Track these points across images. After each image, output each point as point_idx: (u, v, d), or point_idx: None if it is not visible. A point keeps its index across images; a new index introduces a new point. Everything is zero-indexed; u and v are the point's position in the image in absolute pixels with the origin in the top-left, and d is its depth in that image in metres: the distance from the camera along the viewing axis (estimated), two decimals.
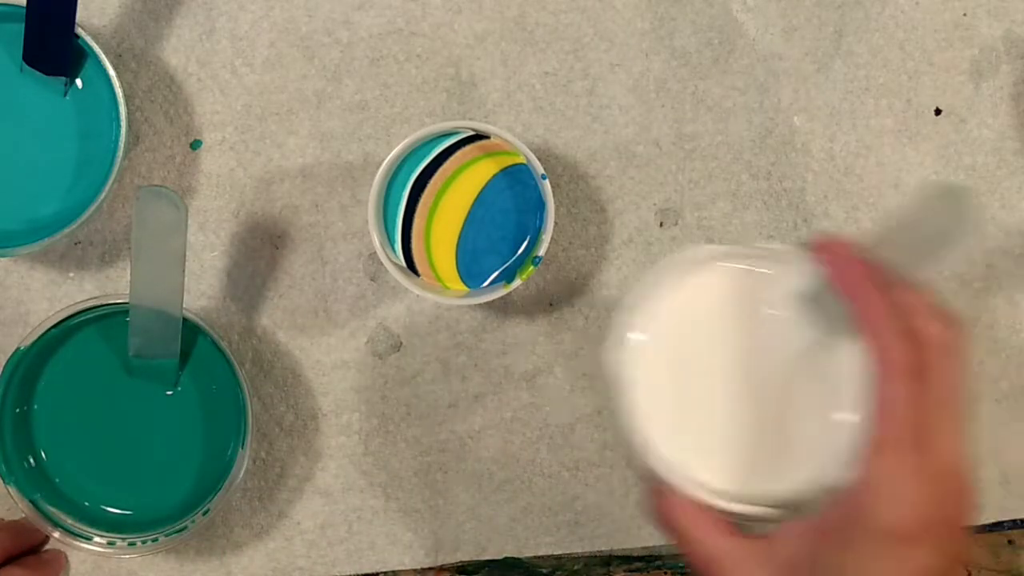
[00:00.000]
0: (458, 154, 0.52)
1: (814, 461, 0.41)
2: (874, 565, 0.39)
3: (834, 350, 0.41)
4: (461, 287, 0.53)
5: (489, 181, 0.52)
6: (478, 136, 0.52)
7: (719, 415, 0.43)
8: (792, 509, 0.42)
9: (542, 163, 0.51)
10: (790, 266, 0.42)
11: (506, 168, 0.52)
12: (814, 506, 0.41)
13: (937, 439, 0.39)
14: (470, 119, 0.56)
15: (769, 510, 0.42)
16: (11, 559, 0.51)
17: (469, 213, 0.52)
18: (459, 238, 0.53)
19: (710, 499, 0.42)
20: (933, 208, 0.40)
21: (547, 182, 0.51)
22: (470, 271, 0.53)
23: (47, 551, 0.55)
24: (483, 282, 0.53)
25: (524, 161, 0.51)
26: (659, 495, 0.44)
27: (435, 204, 0.52)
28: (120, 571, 0.56)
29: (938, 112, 0.57)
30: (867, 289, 0.40)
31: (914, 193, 0.39)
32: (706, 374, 0.43)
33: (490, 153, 0.52)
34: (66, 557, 0.55)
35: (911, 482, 0.39)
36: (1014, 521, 0.57)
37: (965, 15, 0.57)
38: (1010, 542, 0.58)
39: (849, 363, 0.40)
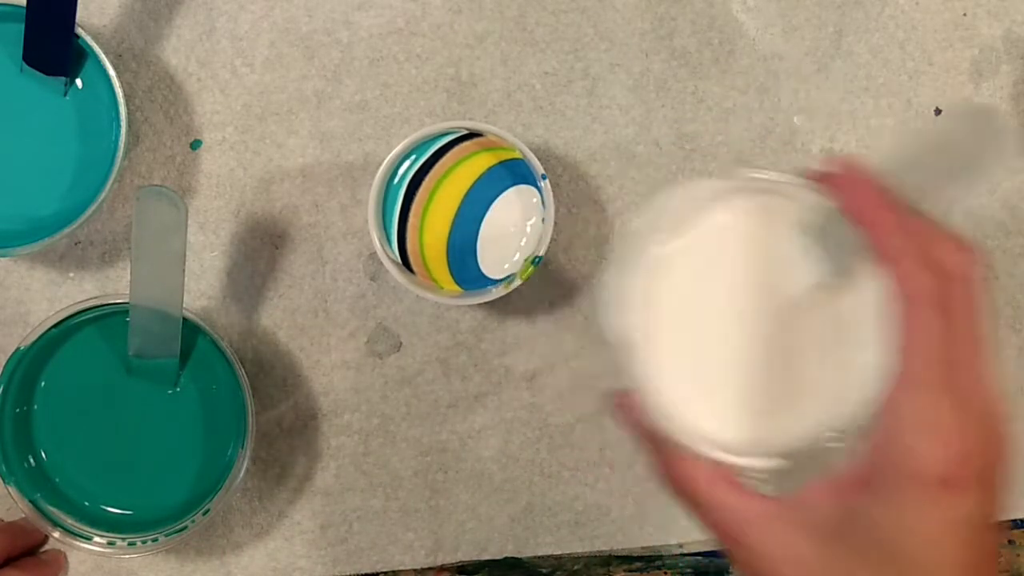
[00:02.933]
0: (455, 150, 0.52)
1: (834, 406, 0.39)
2: (917, 516, 0.36)
3: (848, 286, 0.39)
4: (454, 287, 0.53)
5: (479, 177, 0.52)
6: (477, 133, 0.52)
7: (729, 363, 0.40)
8: (813, 461, 0.39)
9: (542, 163, 0.51)
10: (799, 198, 0.40)
11: (496, 165, 0.52)
12: (839, 456, 0.38)
13: (969, 377, 0.37)
14: (470, 119, 0.56)
15: (788, 463, 0.39)
16: (10, 560, 0.51)
17: (458, 210, 0.52)
18: (449, 237, 0.53)
19: (726, 457, 0.39)
20: (960, 130, 0.37)
21: (547, 182, 0.51)
22: (461, 271, 0.53)
23: (46, 552, 0.55)
24: (473, 282, 0.53)
25: (520, 156, 0.51)
26: (673, 459, 0.40)
27: (428, 202, 0.52)
28: (120, 571, 0.56)
29: (938, 112, 0.57)
30: (885, 215, 0.38)
31: (939, 117, 0.36)
32: (714, 319, 0.40)
33: (486, 148, 0.52)
34: (65, 558, 0.55)
35: (951, 422, 0.36)
36: (1014, 521, 0.57)
37: (965, 15, 0.57)
38: (1010, 542, 0.58)
39: (865, 298, 0.38)
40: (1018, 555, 0.58)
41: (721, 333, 0.40)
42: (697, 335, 0.40)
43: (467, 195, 0.52)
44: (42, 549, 0.55)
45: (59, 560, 0.55)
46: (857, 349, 0.38)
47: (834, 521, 0.38)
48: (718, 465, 0.39)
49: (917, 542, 0.36)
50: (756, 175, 0.41)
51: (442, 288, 0.53)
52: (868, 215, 0.38)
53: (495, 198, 0.52)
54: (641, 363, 0.39)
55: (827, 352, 0.39)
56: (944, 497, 0.36)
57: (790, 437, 0.39)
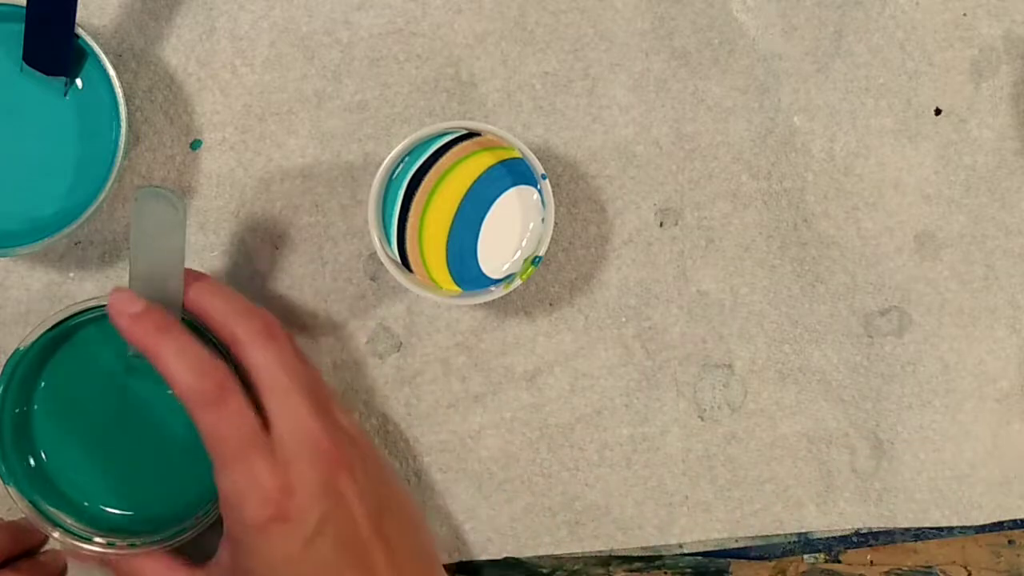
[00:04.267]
0: (455, 150, 0.52)
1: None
2: (268, 552, 0.45)
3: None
4: (454, 287, 0.53)
5: (479, 177, 0.52)
6: (477, 133, 0.52)
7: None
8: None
9: (542, 163, 0.51)
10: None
11: (496, 165, 0.52)
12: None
13: (275, 417, 0.45)
14: (470, 119, 0.56)
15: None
16: (8, 561, 0.51)
17: (458, 210, 0.52)
18: (448, 237, 0.53)
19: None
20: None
21: (547, 182, 0.51)
22: (460, 271, 0.53)
23: (45, 553, 0.55)
24: (473, 282, 0.53)
25: (520, 155, 0.51)
26: (117, 564, 0.51)
27: (428, 202, 0.52)
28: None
29: (938, 112, 0.57)
30: (153, 339, 0.45)
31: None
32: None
33: (486, 148, 0.52)
34: (65, 559, 0.55)
35: (258, 475, 0.44)
36: (1014, 521, 0.57)
37: (965, 15, 0.57)
38: (1010, 542, 0.58)
39: None
40: (1018, 555, 0.58)
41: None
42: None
43: (467, 195, 0.52)
44: (41, 550, 0.55)
45: (59, 561, 0.55)
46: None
47: (229, 572, 0.48)
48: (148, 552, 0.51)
49: (282, 569, 0.45)
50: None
51: (442, 288, 0.53)
52: (142, 342, 0.46)
53: (495, 198, 0.52)
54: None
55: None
56: (286, 527, 0.45)
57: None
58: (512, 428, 0.56)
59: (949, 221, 0.57)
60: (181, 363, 0.45)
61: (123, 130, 0.51)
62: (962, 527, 0.57)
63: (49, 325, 0.50)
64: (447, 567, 0.57)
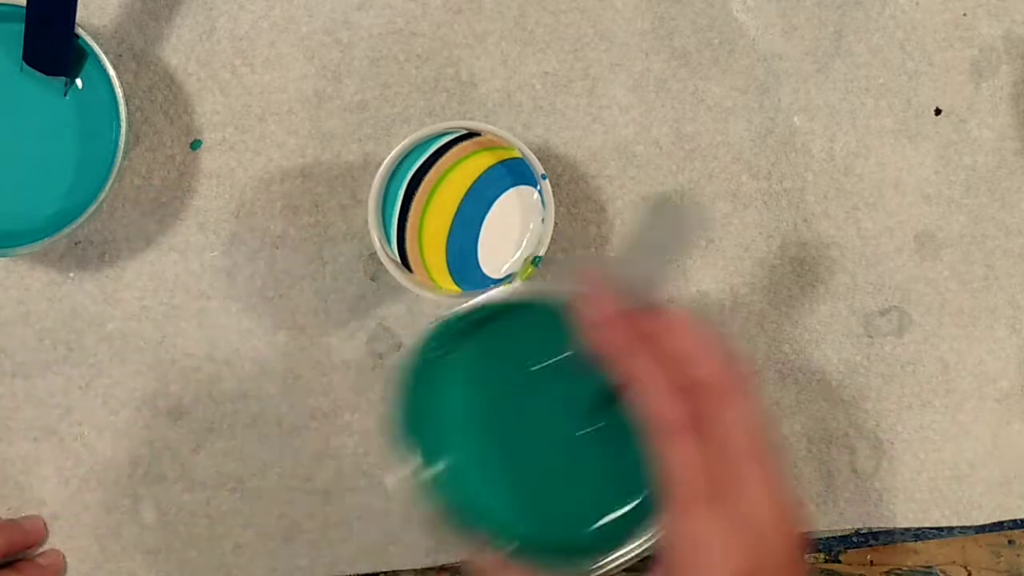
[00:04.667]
0: (455, 149, 0.52)
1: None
2: None
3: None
4: (453, 287, 0.53)
5: (479, 177, 0.52)
6: (477, 133, 0.52)
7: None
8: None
9: (542, 163, 0.51)
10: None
11: (496, 165, 0.52)
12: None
13: (736, 489, 0.38)
14: (470, 119, 0.56)
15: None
16: (9, 561, 0.51)
17: (458, 210, 0.52)
18: (448, 237, 0.53)
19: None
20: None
21: (547, 182, 0.51)
22: (460, 271, 0.53)
23: (44, 553, 0.55)
24: (473, 282, 0.53)
25: (519, 155, 0.51)
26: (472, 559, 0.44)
27: (428, 202, 0.52)
28: (120, 571, 0.56)
29: (938, 112, 0.57)
30: (630, 347, 0.39)
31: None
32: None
33: (486, 148, 0.52)
34: (64, 559, 0.55)
35: (716, 539, 0.37)
36: (1014, 521, 0.57)
37: (965, 15, 0.57)
38: (1010, 542, 0.58)
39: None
40: (1018, 555, 0.58)
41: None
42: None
43: (467, 195, 0.52)
44: (40, 550, 0.55)
45: (58, 562, 0.55)
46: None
47: None
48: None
49: None
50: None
51: (442, 288, 0.53)
52: (614, 350, 0.39)
53: (495, 198, 0.52)
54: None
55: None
56: None
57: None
58: None
59: (949, 221, 0.57)
60: (657, 382, 0.39)
61: (123, 130, 0.51)
62: (962, 527, 0.57)
63: (485, 301, 0.45)
64: (447, 567, 0.57)
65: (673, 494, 0.38)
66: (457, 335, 0.45)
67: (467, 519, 0.45)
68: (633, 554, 0.43)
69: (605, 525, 0.44)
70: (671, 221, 0.40)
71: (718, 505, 0.38)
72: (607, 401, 0.43)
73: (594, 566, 0.43)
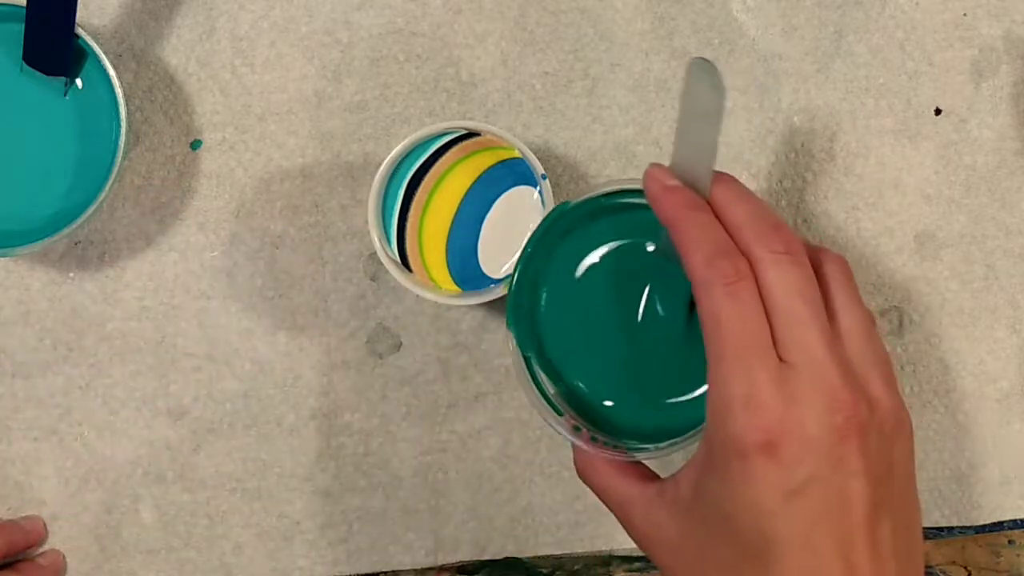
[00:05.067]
0: (455, 149, 0.52)
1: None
2: (748, 489, 0.37)
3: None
4: (453, 287, 0.53)
5: (479, 177, 0.52)
6: (477, 133, 0.52)
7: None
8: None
9: (542, 163, 0.51)
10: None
11: (496, 164, 0.52)
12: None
13: (786, 350, 0.38)
14: (470, 119, 0.56)
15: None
16: (8, 562, 0.51)
17: (458, 210, 0.52)
18: (448, 237, 0.53)
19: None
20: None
21: (547, 182, 0.51)
22: (460, 270, 0.53)
23: (44, 554, 0.55)
24: (473, 282, 0.53)
25: (519, 155, 0.51)
26: (578, 451, 0.46)
27: (428, 202, 0.52)
28: (120, 571, 0.56)
29: (938, 112, 0.57)
30: (681, 212, 0.40)
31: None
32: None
33: (486, 148, 0.52)
34: (64, 559, 0.55)
35: (758, 390, 0.37)
36: (1014, 521, 0.57)
37: (965, 15, 0.57)
38: (1010, 542, 0.58)
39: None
40: (1018, 555, 0.58)
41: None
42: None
43: (467, 195, 0.52)
44: (40, 550, 0.55)
45: (58, 562, 0.55)
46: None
47: (693, 500, 0.40)
48: (615, 457, 0.44)
49: (751, 515, 0.38)
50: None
51: (442, 288, 0.53)
52: (668, 216, 0.41)
53: (495, 198, 0.52)
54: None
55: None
56: (770, 466, 0.37)
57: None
58: (512, 428, 0.56)
59: (949, 221, 0.57)
60: (703, 237, 0.39)
61: (123, 130, 0.51)
62: (962, 527, 0.57)
63: (600, 192, 0.46)
64: (447, 567, 0.57)
65: (711, 346, 0.38)
66: (578, 220, 0.46)
67: (559, 382, 0.46)
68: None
69: (677, 407, 0.45)
70: (695, 88, 0.40)
71: (760, 361, 0.38)
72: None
73: (666, 444, 0.44)
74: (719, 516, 0.38)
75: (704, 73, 0.39)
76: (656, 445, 0.45)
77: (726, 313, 0.38)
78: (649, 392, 0.46)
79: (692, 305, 0.44)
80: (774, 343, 0.38)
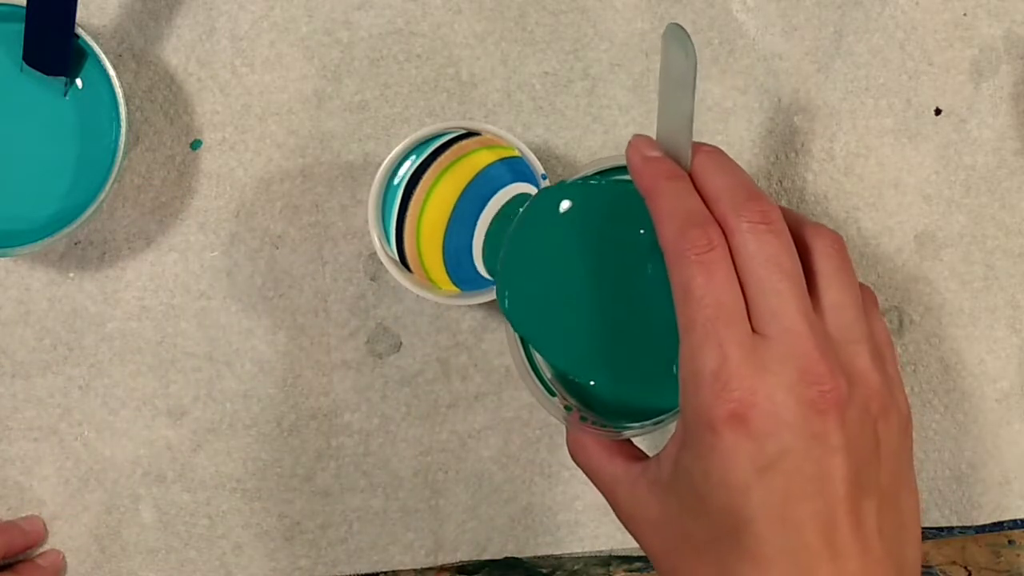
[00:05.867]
0: (454, 148, 0.52)
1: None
2: (714, 462, 0.36)
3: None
4: (451, 287, 0.53)
5: (476, 175, 0.52)
6: (477, 132, 0.52)
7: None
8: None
9: (542, 163, 0.51)
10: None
11: (495, 162, 0.52)
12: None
13: (761, 321, 0.37)
14: (470, 119, 0.56)
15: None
16: (6, 564, 0.51)
17: (454, 209, 0.52)
18: (445, 236, 0.53)
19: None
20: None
21: (547, 182, 0.51)
22: (456, 270, 0.53)
23: (43, 554, 0.55)
24: (469, 281, 0.53)
25: (517, 153, 0.51)
26: (568, 434, 0.45)
27: (425, 201, 0.52)
28: (120, 571, 0.56)
29: (938, 112, 0.57)
30: (658, 182, 0.40)
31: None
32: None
33: (486, 146, 0.52)
34: (64, 559, 0.55)
35: (726, 361, 0.36)
36: (1014, 521, 0.57)
37: (965, 15, 0.57)
38: (1010, 542, 0.58)
39: None
40: (1018, 555, 0.58)
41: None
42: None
43: (463, 194, 0.52)
44: (40, 550, 0.55)
45: (57, 562, 0.55)
46: None
47: (673, 475, 0.39)
48: (603, 437, 0.44)
49: (724, 491, 0.37)
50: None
51: (441, 288, 0.53)
52: (645, 186, 0.40)
53: (491, 195, 0.52)
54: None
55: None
56: (739, 440, 0.36)
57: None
58: (512, 428, 0.56)
59: (949, 221, 0.57)
60: (676, 207, 0.38)
61: (123, 130, 0.51)
62: (962, 527, 0.57)
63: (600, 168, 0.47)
64: (447, 567, 0.57)
65: (682, 317, 0.37)
66: (568, 198, 0.46)
67: (552, 359, 0.46)
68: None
69: (667, 385, 0.44)
70: (670, 55, 0.40)
71: (729, 330, 0.37)
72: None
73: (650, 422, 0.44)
74: (694, 494, 0.38)
75: (676, 40, 0.38)
76: (641, 424, 0.44)
77: (697, 283, 0.37)
78: (639, 371, 0.45)
79: None
80: (748, 315, 0.37)
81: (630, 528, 0.42)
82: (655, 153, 0.41)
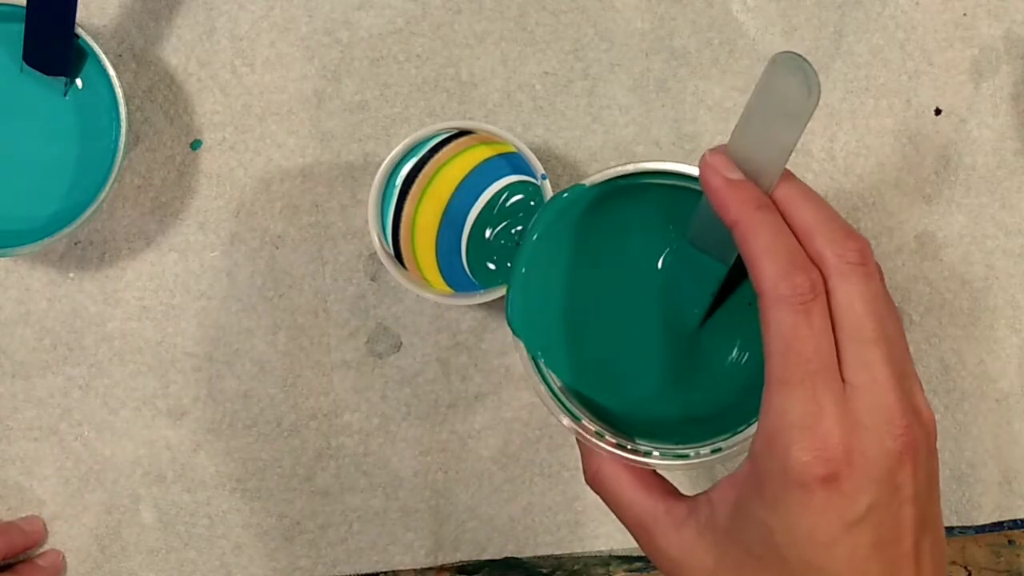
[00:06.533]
0: (450, 146, 0.52)
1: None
2: (805, 519, 0.35)
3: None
4: (444, 287, 0.53)
5: (470, 172, 0.52)
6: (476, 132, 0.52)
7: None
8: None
9: (542, 163, 0.51)
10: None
11: (491, 157, 0.52)
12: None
13: (851, 370, 0.36)
14: (470, 119, 0.56)
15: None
16: (8, 564, 0.51)
17: (445, 209, 0.52)
18: (437, 236, 0.53)
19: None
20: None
21: (547, 182, 0.51)
22: (449, 270, 0.53)
23: (43, 554, 0.55)
24: (460, 281, 0.53)
25: (514, 150, 0.51)
26: (587, 458, 0.42)
27: (420, 201, 0.52)
28: (120, 571, 0.56)
29: (938, 112, 0.57)
30: (749, 212, 0.37)
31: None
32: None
33: (483, 143, 0.52)
34: (64, 560, 0.55)
35: (823, 417, 0.35)
36: (1014, 521, 0.57)
37: (965, 15, 0.57)
38: (1010, 542, 0.58)
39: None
40: (1018, 555, 0.58)
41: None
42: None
43: (454, 194, 0.53)
44: (40, 550, 0.55)
45: (57, 562, 0.55)
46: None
47: (733, 524, 0.37)
48: (633, 467, 0.41)
49: (805, 546, 0.36)
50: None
51: (433, 287, 0.53)
52: (733, 215, 0.37)
53: (484, 189, 0.52)
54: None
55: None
56: (831, 497, 0.35)
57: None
58: (512, 428, 0.56)
59: (949, 221, 0.57)
60: (776, 246, 0.36)
61: (123, 130, 0.51)
62: (962, 527, 0.57)
63: (617, 174, 0.43)
64: (447, 567, 0.57)
65: (775, 370, 0.36)
66: (578, 209, 0.44)
67: (569, 382, 0.44)
68: (727, 449, 0.41)
69: (690, 403, 0.43)
70: (781, 82, 0.37)
71: (826, 385, 0.35)
72: (719, 291, 0.42)
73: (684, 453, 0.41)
74: (766, 545, 0.37)
75: (797, 70, 0.36)
76: (681, 454, 0.41)
77: (801, 334, 0.36)
78: (660, 387, 0.43)
79: (717, 298, 0.42)
80: (838, 362, 0.36)
81: (671, 571, 0.40)
82: (738, 176, 0.38)
